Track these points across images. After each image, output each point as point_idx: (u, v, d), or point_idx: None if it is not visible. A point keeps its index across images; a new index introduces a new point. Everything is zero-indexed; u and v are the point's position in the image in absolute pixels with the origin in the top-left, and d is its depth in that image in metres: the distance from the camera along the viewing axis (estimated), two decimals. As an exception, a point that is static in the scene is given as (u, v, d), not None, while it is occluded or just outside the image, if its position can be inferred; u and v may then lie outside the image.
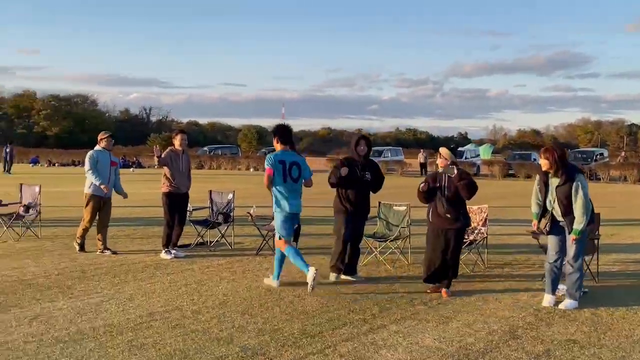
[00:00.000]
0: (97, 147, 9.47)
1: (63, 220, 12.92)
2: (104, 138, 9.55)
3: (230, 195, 10.33)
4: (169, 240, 9.19)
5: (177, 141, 9.24)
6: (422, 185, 7.14)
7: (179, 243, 9.60)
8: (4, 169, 35.67)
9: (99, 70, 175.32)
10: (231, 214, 10.17)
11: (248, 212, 9.83)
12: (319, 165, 47.80)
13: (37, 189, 10.96)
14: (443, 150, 7.11)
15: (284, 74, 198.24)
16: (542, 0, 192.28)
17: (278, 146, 7.32)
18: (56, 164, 47.06)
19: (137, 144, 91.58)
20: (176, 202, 9.22)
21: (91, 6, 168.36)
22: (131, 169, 39.23)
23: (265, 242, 9.58)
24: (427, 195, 7.15)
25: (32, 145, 66.70)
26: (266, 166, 7.20)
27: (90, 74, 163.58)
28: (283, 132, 7.35)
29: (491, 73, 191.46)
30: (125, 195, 9.78)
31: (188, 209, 9.55)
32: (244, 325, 5.86)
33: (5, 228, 10.73)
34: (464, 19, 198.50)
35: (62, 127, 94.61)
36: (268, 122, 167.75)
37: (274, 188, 7.22)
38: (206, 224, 10.09)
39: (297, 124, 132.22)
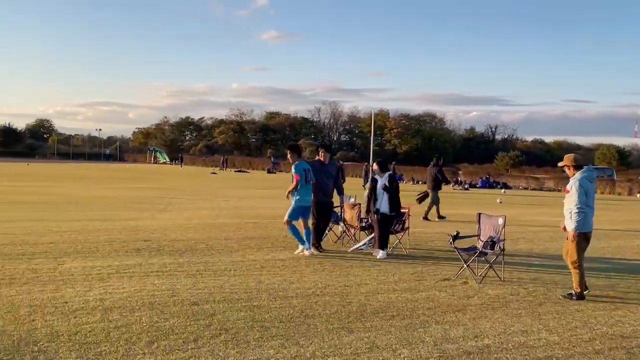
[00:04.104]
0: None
1: (528, 257, 11.05)
2: None
3: None
4: None
5: None
6: None
7: None
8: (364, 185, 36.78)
9: (442, 90, 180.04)
10: None
11: None
12: None
13: (500, 220, 9.04)
14: None
15: (636, 88, 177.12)
16: None
17: (294, 158, 10.34)
18: (419, 182, 47.49)
19: (482, 162, 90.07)
20: None
21: (434, 28, 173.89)
22: (502, 190, 37.04)
23: None
24: None
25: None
26: (295, 174, 10.17)
27: (433, 94, 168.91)
28: (298, 148, 10.74)
29: None
30: None
31: None
32: None
33: (464, 265, 9.03)
34: None
35: (411, 145, 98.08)
36: (618, 141, 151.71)
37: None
38: None
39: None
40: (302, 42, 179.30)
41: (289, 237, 12.35)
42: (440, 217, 17.87)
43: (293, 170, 10.39)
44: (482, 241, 9.15)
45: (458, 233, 9.23)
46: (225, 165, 68.30)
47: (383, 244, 10.47)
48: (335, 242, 11.99)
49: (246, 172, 63.17)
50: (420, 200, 18.28)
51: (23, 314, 6.18)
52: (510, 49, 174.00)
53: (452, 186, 42.40)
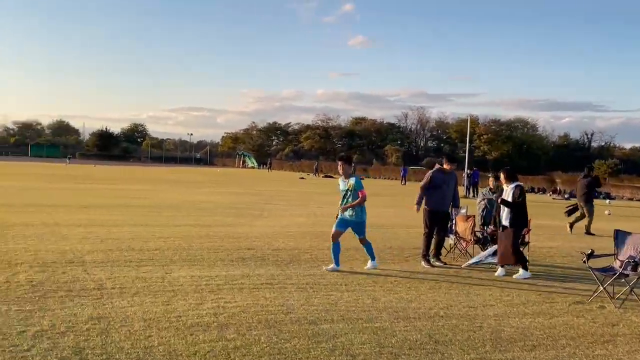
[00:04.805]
0: None
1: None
2: None
3: None
4: None
5: None
6: None
7: None
8: (466, 194, 35.47)
9: (532, 96, 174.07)
10: None
11: None
12: None
13: (644, 238, 8.10)
14: None
15: None
16: None
17: (348, 170, 9.74)
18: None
19: (577, 170, 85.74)
20: None
21: (521, 30, 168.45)
22: (607, 201, 34.89)
23: None
24: None
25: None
26: (361, 190, 9.55)
27: (522, 99, 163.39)
28: (351, 160, 10.26)
29: None
30: None
31: None
32: None
33: (601, 287, 8.13)
34: None
35: (502, 151, 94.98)
36: None
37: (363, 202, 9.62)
38: None
39: None
40: (387, 47, 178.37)
41: (394, 248, 11.83)
42: (589, 232, 16.83)
43: (355, 184, 9.54)
44: (621, 261, 8.23)
45: (593, 251, 8.34)
46: (317, 171, 68.75)
47: (520, 260, 9.69)
48: (445, 256, 11.27)
49: (333, 177, 62.92)
50: (570, 212, 17.42)
51: (138, 328, 5.90)
52: (605, 53, 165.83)
53: (551, 195, 40.40)
